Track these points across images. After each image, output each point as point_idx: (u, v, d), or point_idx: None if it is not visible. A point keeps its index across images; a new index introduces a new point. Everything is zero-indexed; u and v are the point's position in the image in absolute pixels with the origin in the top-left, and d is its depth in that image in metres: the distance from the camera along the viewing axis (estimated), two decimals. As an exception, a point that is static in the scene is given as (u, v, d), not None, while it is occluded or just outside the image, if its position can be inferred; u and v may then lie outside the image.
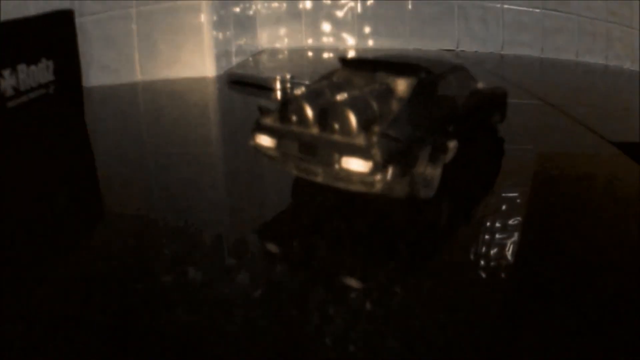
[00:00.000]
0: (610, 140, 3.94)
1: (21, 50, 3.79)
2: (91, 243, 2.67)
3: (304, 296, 2.15)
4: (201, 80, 6.25)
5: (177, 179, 3.45)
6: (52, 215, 2.88)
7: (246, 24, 7.74)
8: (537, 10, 6.92)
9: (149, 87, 6.08)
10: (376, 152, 2.55)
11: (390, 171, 2.57)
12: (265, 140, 2.96)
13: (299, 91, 3.02)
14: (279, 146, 2.90)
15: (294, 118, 2.85)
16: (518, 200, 3.19)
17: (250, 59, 7.74)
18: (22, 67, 3.76)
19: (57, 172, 3.45)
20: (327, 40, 8.22)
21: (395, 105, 2.92)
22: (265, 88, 5.62)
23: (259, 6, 8.16)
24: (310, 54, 8.04)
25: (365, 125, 2.68)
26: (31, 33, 3.91)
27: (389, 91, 3.06)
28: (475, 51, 7.69)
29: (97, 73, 6.09)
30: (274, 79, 5.61)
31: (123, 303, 2.08)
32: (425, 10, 7.85)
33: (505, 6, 7.25)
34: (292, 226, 2.83)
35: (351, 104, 2.74)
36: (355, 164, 2.59)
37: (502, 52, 7.48)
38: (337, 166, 2.65)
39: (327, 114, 2.73)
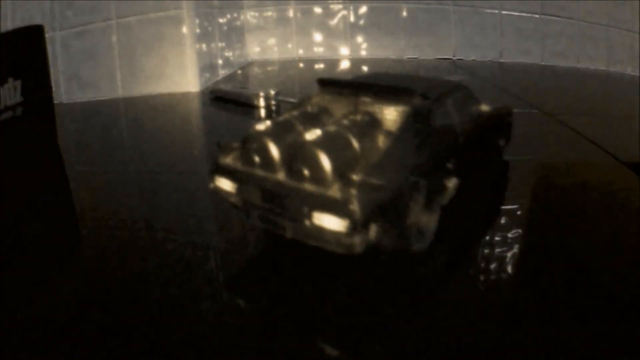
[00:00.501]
0: (606, 149, 3.75)
1: None
2: (65, 270, 2.54)
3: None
4: (183, 96, 5.96)
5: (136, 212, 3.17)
6: (20, 245, 2.71)
7: (234, 34, 7.48)
8: (537, 16, 6.63)
9: (129, 104, 5.79)
10: (354, 206, 2.09)
11: (372, 230, 2.13)
12: (225, 184, 2.50)
13: (263, 125, 2.52)
14: (240, 192, 2.45)
15: (257, 159, 2.41)
16: (522, 245, 2.80)
17: (239, 71, 7.47)
18: None
19: (24, 198, 3.27)
20: (318, 50, 7.96)
21: (381, 142, 2.47)
22: (247, 105, 5.32)
23: (248, 16, 7.92)
24: (301, 65, 7.76)
25: (341, 170, 2.22)
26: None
27: (374, 123, 2.58)
28: (473, 59, 7.40)
29: (77, 88, 5.86)
30: (257, 95, 5.30)
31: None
32: (420, 17, 7.57)
33: (504, 12, 6.96)
34: (252, 288, 2.33)
35: (324, 143, 2.29)
36: (329, 222, 2.14)
37: (502, 60, 7.18)
38: (307, 222, 2.19)
39: (296, 156, 2.29)
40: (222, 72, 6.94)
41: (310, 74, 7.19)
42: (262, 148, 2.37)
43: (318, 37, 7.90)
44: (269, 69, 7.63)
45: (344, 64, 7.66)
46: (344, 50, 7.91)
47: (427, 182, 2.43)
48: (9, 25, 5.48)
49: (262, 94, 5.25)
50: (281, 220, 2.30)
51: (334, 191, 2.14)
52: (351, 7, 7.79)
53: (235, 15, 7.53)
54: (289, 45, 7.98)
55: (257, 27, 7.87)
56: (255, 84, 6.79)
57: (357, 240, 2.10)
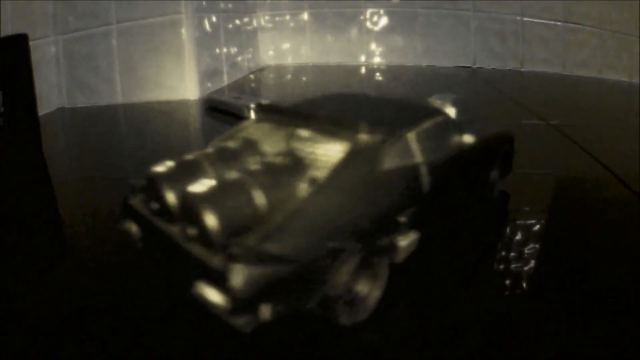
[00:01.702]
0: (605, 164, 3.53)
1: None
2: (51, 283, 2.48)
3: None
4: (181, 104, 5.82)
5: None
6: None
7: (245, 39, 7.29)
8: (559, 24, 6.22)
9: (126, 111, 5.70)
10: (236, 280, 1.73)
11: (263, 309, 1.77)
12: (131, 227, 2.25)
13: (166, 166, 2.20)
14: (143, 238, 2.21)
15: (155, 205, 2.14)
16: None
17: (252, 76, 7.30)
18: None
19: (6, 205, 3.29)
20: (333, 56, 7.71)
21: (301, 191, 2.06)
22: (240, 117, 5.11)
23: (262, 20, 7.72)
24: (314, 71, 7.53)
25: (234, 231, 1.87)
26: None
27: (297, 166, 2.16)
28: (493, 68, 7.03)
29: (79, 93, 5.81)
30: (247, 107, 5.06)
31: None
32: (438, 23, 7.23)
33: (525, 19, 6.57)
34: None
35: (215, 196, 1.93)
36: (211, 295, 1.80)
37: (522, 69, 6.80)
38: (193, 289, 1.85)
39: (185, 209, 1.98)
40: (230, 78, 6.76)
41: (322, 80, 6.97)
42: (158, 194, 2.09)
43: (332, 42, 7.66)
44: (280, 74, 7.43)
45: (358, 71, 7.41)
46: (359, 57, 7.64)
47: (366, 240, 2.03)
48: (9, 30, 5.41)
49: (252, 105, 5.02)
50: (179, 275, 2.04)
51: (217, 259, 1.81)
52: (368, 13, 7.51)
53: (246, 19, 7.34)
54: (303, 51, 7.77)
55: (271, 31, 7.67)
56: (261, 92, 6.62)
57: (243, 320, 1.75)
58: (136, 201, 2.24)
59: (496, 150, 3.04)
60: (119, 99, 5.87)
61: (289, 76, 7.38)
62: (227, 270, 1.74)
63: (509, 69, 6.90)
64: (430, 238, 2.36)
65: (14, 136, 3.99)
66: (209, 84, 6.25)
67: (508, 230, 2.89)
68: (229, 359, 1.93)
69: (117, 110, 5.71)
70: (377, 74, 7.28)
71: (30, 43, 4.47)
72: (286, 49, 7.80)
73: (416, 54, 7.42)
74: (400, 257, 2.21)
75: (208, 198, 1.92)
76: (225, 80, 6.72)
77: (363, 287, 2.11)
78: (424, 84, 6.66)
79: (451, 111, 2.93)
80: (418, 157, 2.38)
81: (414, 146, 2.38)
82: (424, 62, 7.38)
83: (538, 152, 3.87)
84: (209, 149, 2.37)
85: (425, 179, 2.36)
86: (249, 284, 1.75)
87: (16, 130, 4.03)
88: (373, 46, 7.57)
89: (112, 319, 2.12)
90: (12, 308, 2.24)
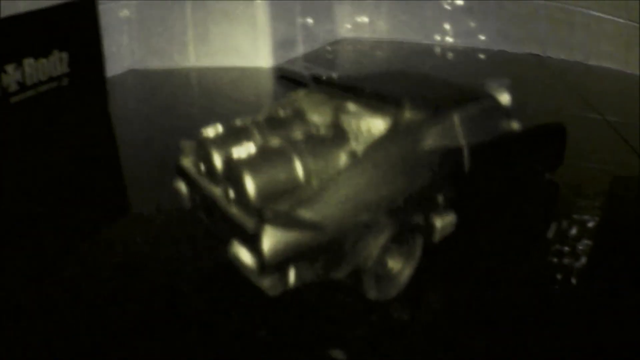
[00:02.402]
0: None
1: (29, 44, 3.93)
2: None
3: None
4: (253, 72, 6.26)
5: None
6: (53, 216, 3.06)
7: (322, 10, 7.61)
8: (621, 21, 6.20)
9: (198, 74, 6.21)
10: (265, 242, 1.83)
11: (290, 274, 1.88)
12: (181, 187, 2.46)
13: (215, 130, 2.40)
14: (191, 197, 2.43)
15: (202, 167, 2.33)
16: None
17: (329, 47, 7.63)
18: (29, 61, 3.93)
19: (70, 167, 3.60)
20: (407, 34, 7.90)
21: (340, 163, 2.12)
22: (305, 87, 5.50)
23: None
24: (388, 47, 7.79)
25: (270, 197, 1.97)
26: (41, 25, 4.06)
27: (339, 139, 2.22)
28: (562, 59, 7.08)
29: (150, 56, 6.25)
30: (315, 79, 5.43)
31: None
32: (513, 10, 7.31)
33: (592, 12, 6.57)
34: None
35: (256, 162, 2.05)
36: (243, 256, 1.94)
37: (589, 62, 6.81)
38: (229, 248, 2.01)
39: (228, 172, 2.12)
40: (306, 48, 7.11)
41: (394, 56, 7.27)
42: (206, 157, 2.30)
43: (408, 20, 7.87)
44: (356, 48, 7.74)
45: (431, 50, 7.62)
46: (432, 36, 7.81)
47: (402, 216, 2.10)
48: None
49: (323, 77, 5.36)
50: (219, 234, 2.23)
51: (251, 222, 1.94)
52: (444, -7, 7.67)
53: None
54: (378, 26, 8.00)
55: (348, 4, 7.91)
56: (335, 64, 6.94)
57: (270, 283, 1.88)
58: (187, 162, 2.44)
59: (545, 141, 2.98)
60: (192, 62, 6.35)
61: (363, 50, 7.70)
62: (258, 232, 1.84)
63: (576, 60, 6.92)
64: (469, 222, 2.39)
65: (79, 96, 4.31)
66: (283, 53, 6.66)
67: (550, 218, 3.01)
68: (254, 317, 2.16)
69: (189, 74, 6.22)
70: (450, 54, 7.50)
71: (103, 6, 4.79)
72: (362, 23, 8.04)
73: (489, 38, 7.53)
74: (436, 237, 2.27)
75: (249, 163, 2.05)
76: (301, 51, 7.10)
77: (395, 264, 2.18)
78: (493, 66, 6.86)
79: (504, 97, 2.86)
80: (461, 139, 2.37)
81: (457, 127, 2.37)
82: (495, 47, 7.49)
83: (588, 145, 4.07)
84: (259, 116, 2.51)
85: (467, 161, 2.36)
86: (278, 248, 1.83)
87: (82, 90, 4.37)
88: (447, 26, 7.74)
89: (153, 272, 2.54)
90: (76, 254, 2.71)
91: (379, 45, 7.86)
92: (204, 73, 6.22)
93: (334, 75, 4.61)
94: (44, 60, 4.04)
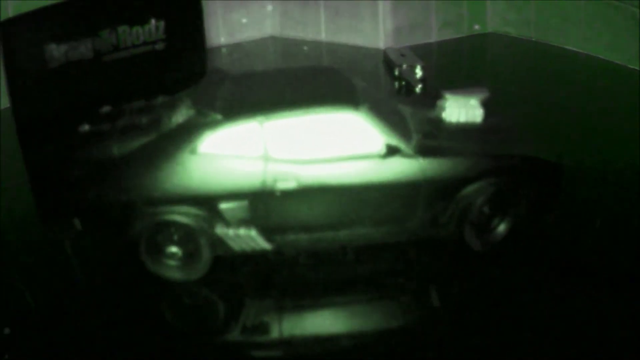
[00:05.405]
0: None
1: (126, 11, 3.87)
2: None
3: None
4: (368, 52, 6.34)
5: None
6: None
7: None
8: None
9: (327, 47, 6.55)
10: None
11: None
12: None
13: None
14: None
15: None
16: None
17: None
18: (123, 28, 4.00)
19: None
20: (555, 34, 7.12)
21: None
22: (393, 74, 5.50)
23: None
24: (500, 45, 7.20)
25: None
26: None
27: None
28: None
29: (288, 26, 6.78)
30: (398, 67, 5.45)
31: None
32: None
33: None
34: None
35: None
36: None
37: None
38: None
39: None
40: (439, 36, 6.90)
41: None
42: None
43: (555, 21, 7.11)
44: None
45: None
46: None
47: None
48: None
49: (404, 67, 5.25)
50: None
51: None
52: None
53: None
54: (528, 23, 7.27)
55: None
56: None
57: None
58: None
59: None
60: (322, 36, 6.70)
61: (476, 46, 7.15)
62: None
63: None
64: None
65: (177, 61, 4.22)
66: (405, 38, 6.54)
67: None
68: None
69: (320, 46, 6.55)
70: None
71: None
72: (512, 20, 7.42)
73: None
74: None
75: None
76: (434, 38, 6.86)
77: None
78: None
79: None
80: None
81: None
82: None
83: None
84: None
85: None
86: None
87: (174, 55, 4.22)
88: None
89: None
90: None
91: (525, 43, 7.17)
92: (326, 47, 6.56)
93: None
94: (138, 28, 4.12)
